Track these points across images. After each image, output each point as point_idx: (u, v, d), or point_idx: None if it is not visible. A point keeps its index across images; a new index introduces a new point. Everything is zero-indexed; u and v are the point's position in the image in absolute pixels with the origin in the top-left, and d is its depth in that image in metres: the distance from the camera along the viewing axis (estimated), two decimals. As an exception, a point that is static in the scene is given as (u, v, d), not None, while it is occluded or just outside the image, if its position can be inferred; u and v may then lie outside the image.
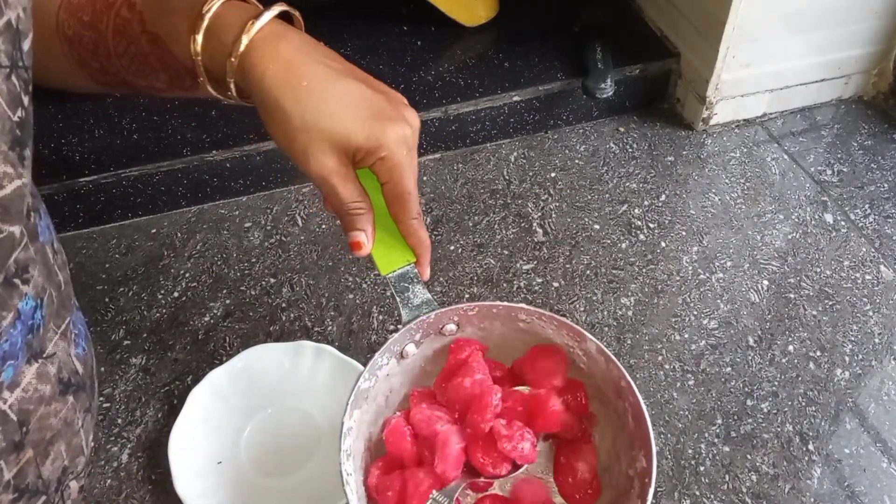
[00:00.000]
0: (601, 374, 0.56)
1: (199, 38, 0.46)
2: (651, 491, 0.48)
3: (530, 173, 0.85)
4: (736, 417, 0.63)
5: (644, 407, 0.51)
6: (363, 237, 0.49)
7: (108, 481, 0.60)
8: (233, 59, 0.45)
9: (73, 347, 0.53)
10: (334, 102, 0.45)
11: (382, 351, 0.53)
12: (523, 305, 0.56)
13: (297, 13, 0.49)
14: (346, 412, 0.50)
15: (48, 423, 0.49)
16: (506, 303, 0.56)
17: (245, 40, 0.45)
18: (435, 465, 0.51)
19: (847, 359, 0.67)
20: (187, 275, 0.75)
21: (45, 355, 0.49)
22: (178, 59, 0.48)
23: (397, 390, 0.57)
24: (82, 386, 0.54)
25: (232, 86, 0.47)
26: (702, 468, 0.59)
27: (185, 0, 0.48)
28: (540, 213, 0.80)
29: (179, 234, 0.79)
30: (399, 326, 0.54)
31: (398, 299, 0.53)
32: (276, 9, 0.47)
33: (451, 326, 0.57)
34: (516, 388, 0.56)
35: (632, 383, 0.52)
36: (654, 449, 0.50)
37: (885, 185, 0.82)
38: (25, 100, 0.41)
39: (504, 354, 0.58)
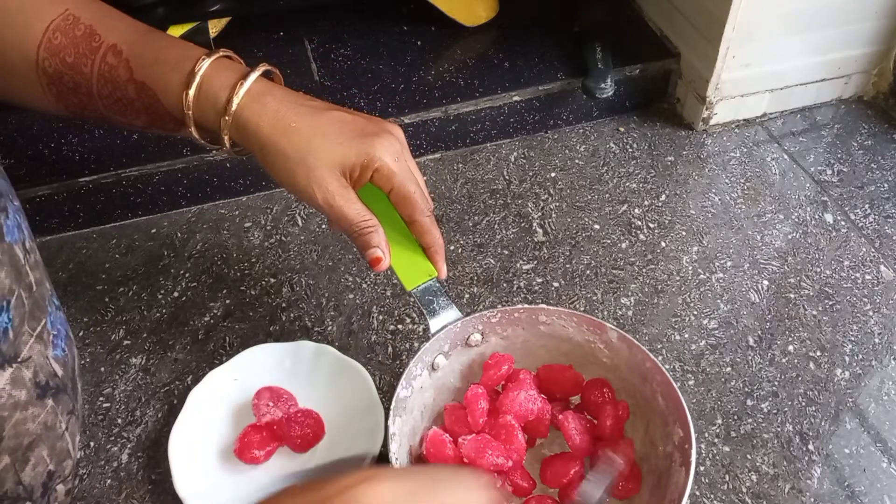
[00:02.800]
0: (625, 363, 0.57)
1: (192, 93, 0.50)
2: (694, 454, 0.50)
3: (530, 173, 0.85)
4: (736, 417, 0.63)
5: (672, 381, 0.53)
6: (379, 252, 0.53)
7: (108, 481, 0.60)
8: (227, 118, 0.50)
9: (52, 349, 0.52)
10: (322, 133, 0.50)
11: (416, 360, 0.56)
12: (543, 306, 0.58)
13: (276, 70, 0.54)
14: (389, 418, 0.52)
15: (25, 428, 0.48)
16: (526, 305, 0.58)
17: (236, 101, 0.50)
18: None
19: (847, 359, 0.67)
20: (187, 275, 0.75)
21: (19, 359, 0.48)
22: (165, 107, 0.52)
23: (430, 406, 0.59)
24: (63, 388, 0.53)
25: (226, 139, 0.52)
26: (702, 468, 0.59)
27: (176, 52, 0.52)
28: (540, 213, 0.80)
29: (179, 234, 0.79)
30: (430, 336, 0.56)
31: (425, 312, 0.56)
32: (260, 69, 0.52)
33: (476, 336, 0.59)
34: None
35: (657, 362, 0.54)
36: (689, 416, 0.51)
37: (885, 185, 0.82)
38: None
39: (529, 361, 0.60)
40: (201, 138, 0.53)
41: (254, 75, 0.51)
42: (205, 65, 0.50)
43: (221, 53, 0.52)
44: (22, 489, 0.49)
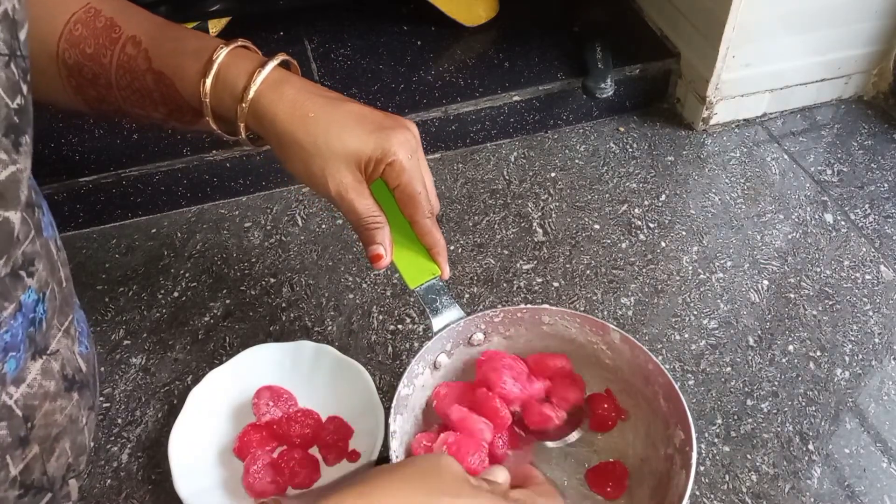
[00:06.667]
0: (627, 364, 0.57)
1: (209, 81, 0.50)
2: (694, 457, 0.50)
3: (530, 173, 0.85)
4: (736, 417, 0.63)
5: (675, 384, 0.53)
6: (382, 249, 0.53)
7: (108, 481, 0.60)
8: (243, 105, 0.50)
9: (77, 345, 0.54)
10: (340, 125, 0.50)
11: (417, 359, 0.56)
12: (546, 306, 0.59)
13: (293, 60, 0.54)
14: (390, 416, 0.52)
15: (53, 419, 0.49)
16: (530, 305, 0.58)
17: (254, 88, 0.50)
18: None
19: (847, 359, 0.67)
20: (187, 275, 0.75)
21: (49, 352, 0.49)
22: (183, 97, 0.52)
23: (432, 405, 0.58)
24: (86, 383, 0.55)
25: (242, 128, 0.52)
26: (702, 468, 0.59)
27: (194, 43, 0.52)
28: (540, 213, 0.80)
29: (179, 234, 0.79)
30: (431, 335, 0.56)
31: (427, 310, 0.56)
32: (278, 58, 0.52)
33: (479, 335, 0.59)
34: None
35: (659, 364, 0.54)
36: (691, 418, 0.51)
37: (885, 185, 0.82)
38: (24, 88, 0.42)
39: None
40: (219, 129, 0.54)
41: (272, 64, 0.51)
42: (222, 53, 0.51)
43: (239, 43, 0.53)
44: (46, 480, 0.50)
